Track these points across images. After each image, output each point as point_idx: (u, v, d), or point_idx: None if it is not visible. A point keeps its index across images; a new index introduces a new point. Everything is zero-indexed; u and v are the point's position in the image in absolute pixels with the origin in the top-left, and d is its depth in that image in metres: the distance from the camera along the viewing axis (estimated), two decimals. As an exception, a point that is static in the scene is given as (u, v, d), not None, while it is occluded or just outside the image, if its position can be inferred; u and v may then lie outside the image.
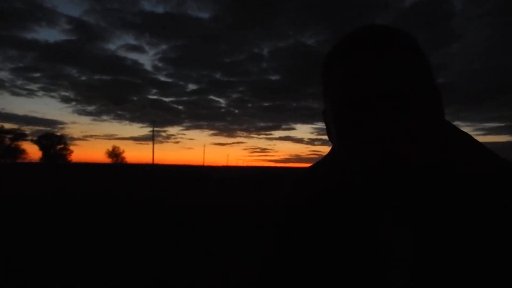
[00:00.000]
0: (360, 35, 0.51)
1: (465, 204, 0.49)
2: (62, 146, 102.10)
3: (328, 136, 0.60)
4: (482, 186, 0.49)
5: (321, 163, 0.67)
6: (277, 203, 0.67)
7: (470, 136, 0.57)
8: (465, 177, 0.50)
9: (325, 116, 0.59)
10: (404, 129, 0.46)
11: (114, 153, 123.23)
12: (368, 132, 0.48)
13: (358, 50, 0.49)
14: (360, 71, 0.48)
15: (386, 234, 0.52)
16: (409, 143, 0.46)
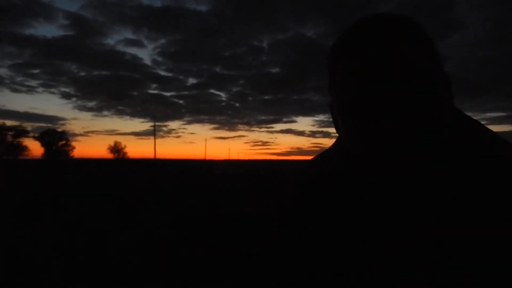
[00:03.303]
0: (365, 26, 0.49)
1: (478, 193, 0.48)
2: (64, 142, 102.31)
3: (336, 129, 0.60)
4: (495, 174, 0.48)
5: (326, 155, 0.66)
6: (281, 196, 0.67)
7: (480, 123, 0.57)
8: (478, 165, 0.50)
9: (332, 109, 0.59)
10: (415, 121, 0.46)
11: (116, 149, 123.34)
12: (377, 126, 0.47)
13: (364, 42, 0.48)
14: (367, 64, 0.47)
15: (393, 229, 0.51)
16: (420, 135, 0.46)
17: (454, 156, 0.51)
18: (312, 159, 0.69)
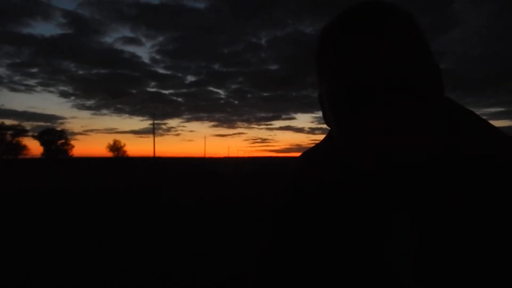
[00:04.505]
0: (352, 15, 0.47)
1: (476, 190, 0.46)
2: (63, 141, 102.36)
3: (325, 120, 0.58)
4: (492, 168, 0.47)
5: (319, 149, 0.65)
6: (275, 193, 0.66)
7: (475, 113, 0.55)
8: (473, 160, 0.48)
9: (320, 100, 0.57)
10: (406, 115, 0.44)
11: (115, 147, 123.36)
12: (367, 121, 0.45)
13: (351, 32, 0.46)
14: (354, 55, 0.45)
15: (390, 226, 0.51)
16: (413, 131, 0.44)
17: (447, 150, 0.49)
18: (301, 155, 0.68)
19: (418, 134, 0.44)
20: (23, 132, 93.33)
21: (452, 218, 0.47)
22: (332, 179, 0.57)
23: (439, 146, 0.47)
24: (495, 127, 0.52)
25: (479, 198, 0.46)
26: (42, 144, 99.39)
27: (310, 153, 0.66)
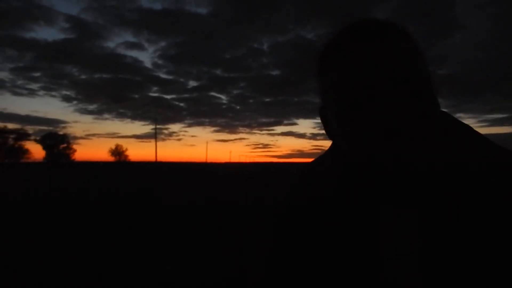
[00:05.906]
0: (353, 31, 0.51)
1: (469, 199, 0.48)
2: (65, 145, 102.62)
3: (327, 133, 0.61)
4: (486, 179, 0.48)
5: (323, 158, 0.67)
6: (279, 199, 0.67)
7: (469, 126, 0.57)
8: (468, 170, 0.50)
9: (322, 113, 0.59)
10: (407, 116, 0.46)
11: (117, 152, 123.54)
12: (368, 121, 0.48)
13: (353, 46, 0.50)
14: (357, 67, 0.49)
15: (389, 230, 0.52)
16: (413, 131, 0.46)
17: (446, 150, 0.51)
18: (308, 164, 0.70)
19: (419, 134, 0.46)
20: (25, 136, 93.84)
21: (453, 218, 0.48)
22: (333, 181, 0.59)
23: (438, 147, 0.49)
24: (485, 136, 0.55)
25: (479, 199, 0.47)
26: (44, 148, 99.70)
27: (315, 160, 0.69)
